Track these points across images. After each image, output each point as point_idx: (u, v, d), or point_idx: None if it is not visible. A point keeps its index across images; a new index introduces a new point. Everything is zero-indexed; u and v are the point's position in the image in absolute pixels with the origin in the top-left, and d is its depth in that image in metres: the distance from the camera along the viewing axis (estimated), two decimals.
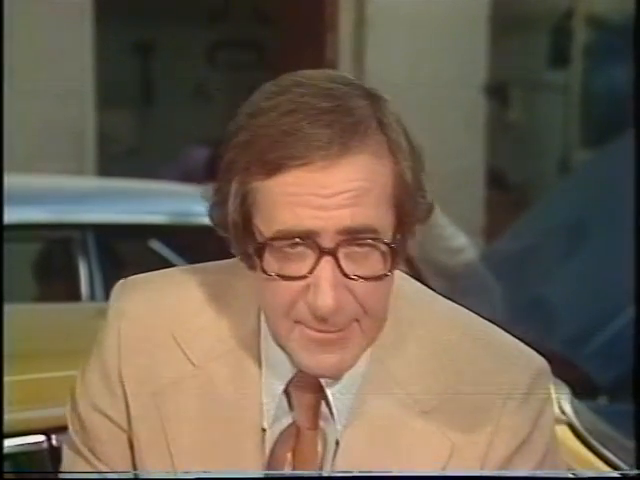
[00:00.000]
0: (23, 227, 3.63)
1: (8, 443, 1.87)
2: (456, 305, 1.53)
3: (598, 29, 7.84)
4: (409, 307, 1.49)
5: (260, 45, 7.58)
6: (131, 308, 1.52)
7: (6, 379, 1.77)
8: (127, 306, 1.52)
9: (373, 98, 1.40)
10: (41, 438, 1.97)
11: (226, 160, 1.40)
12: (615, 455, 2.16)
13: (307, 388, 1.47)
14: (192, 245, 3.68)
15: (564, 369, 2.96)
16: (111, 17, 6.61)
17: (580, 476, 1.95)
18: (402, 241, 1.41)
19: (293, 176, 1.35)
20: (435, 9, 6.65)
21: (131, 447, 1.52)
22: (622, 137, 5.71)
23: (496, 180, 7.20)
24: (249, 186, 1.38)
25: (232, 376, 1.48)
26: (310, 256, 1.37)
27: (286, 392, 1.47)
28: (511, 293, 4.24)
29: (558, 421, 2.17)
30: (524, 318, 4.07)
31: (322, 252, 1.36)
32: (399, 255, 1.40)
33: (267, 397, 1.48)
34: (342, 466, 1.46)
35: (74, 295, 3.66)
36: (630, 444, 2.27)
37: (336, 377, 1.44)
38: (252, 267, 1.42)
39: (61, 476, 1.58)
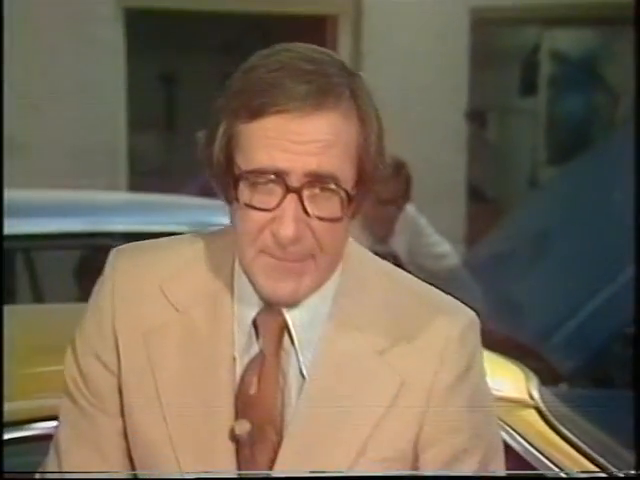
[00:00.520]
0: (64, 236, 3.62)
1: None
2: (397, 268, 1.56)
3: (560, 63, 7.85)
4: (362, 266, 1.52)
5: None
6: (124, 265, 1.54)
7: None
8: (120, 263, 1.54)
9: (350, 72, 1.44)
10: None
11: (218, 106, 1.45)
12: (573, 434, 2.16)
13: (273, 320, 1.48)
14: None
15: (532, 360, 2.98)
16: (140, 52, 6.61)
17: (580, 476, 1.97)
18: (360, 196, 1.44)
19: (272, 122, 1.39)
20: (424, 45, 6.66)
21: (119, 392, 1.51)
22: (582, 156, 5.74)
23: (476, 194, 7.18)
24: (235, 129, 1.42)
25: (210, 315, 1.49)
26: (278, 192, 1.40)
27: (255, 325, 1.48)
28: (488, 293, 4.24)
29: (527, 405, 2.18)
30: (499, 315, 4.07)
31: (289, 190, 1.39)
32: (356, 205, 1.44)
33: (238, 328, 1.48)
34: (309, 395, 1.47)
35: None
36: (586, 424, 2.28)
37: (289, 304, 1.46)
38: (229, 200, 1.45)
39: (62, 476, 1.55)
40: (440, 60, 6.72)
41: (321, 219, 1.41)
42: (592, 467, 2.10)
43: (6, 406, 1.77)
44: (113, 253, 1.55)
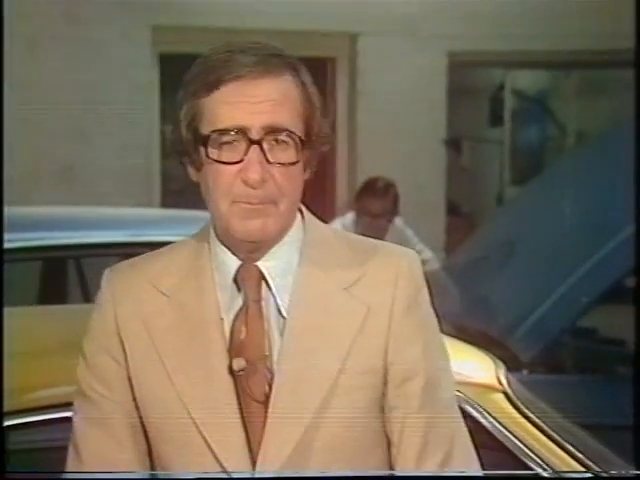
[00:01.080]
0: (108, 245, 3.62)
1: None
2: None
3: (520, 99, 7.89)
4: (322, 227, 1.56)
5: None
6: (120, 272, 1.56)
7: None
8: (116, 272, 1.56)
9: (294, 58, 1.48)
10: None
11: (178, 97, 1.47)
12: (533, 413, 2.16)
13: (251, 274, 1.49)
14: None
15: (499, 350, 2.98)
16: (172, 89, 6.63)
17: (578, 476, 1.95)
18: (309, 150, 1.47)
19: (230, 88, 1.42)
20: (409, 83, 6.68)
21: (128, 380, 1.50)
22: (538, 177, 5.78)
23: (453, 209, 7.20)
24: (197, 106, 1.44)
25: (195, 291, 1.50)
26: (242, 146, 1.42)
27: (236, 282, 1.49)
28: (464, 293, 4.26)
29: (496, 389, 2.18)
30: (473, 313, 4.09)
31: (251, 142, 1.42)
32: (307, 159, 1.47)
33: (220, 291, 1.49)
34: (290, 332, 1.48)
35: None
36: (544, 405, 2.29)
37: (258, 239, 1.46)
38: (199, 168, 1.47)
39: (62, 476, 1.53)
40: (422, 96, 6.73)
41: (281, 164, 1.43)
42: (549, 443, 2.10)
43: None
44: (107, 270, 1.56)
